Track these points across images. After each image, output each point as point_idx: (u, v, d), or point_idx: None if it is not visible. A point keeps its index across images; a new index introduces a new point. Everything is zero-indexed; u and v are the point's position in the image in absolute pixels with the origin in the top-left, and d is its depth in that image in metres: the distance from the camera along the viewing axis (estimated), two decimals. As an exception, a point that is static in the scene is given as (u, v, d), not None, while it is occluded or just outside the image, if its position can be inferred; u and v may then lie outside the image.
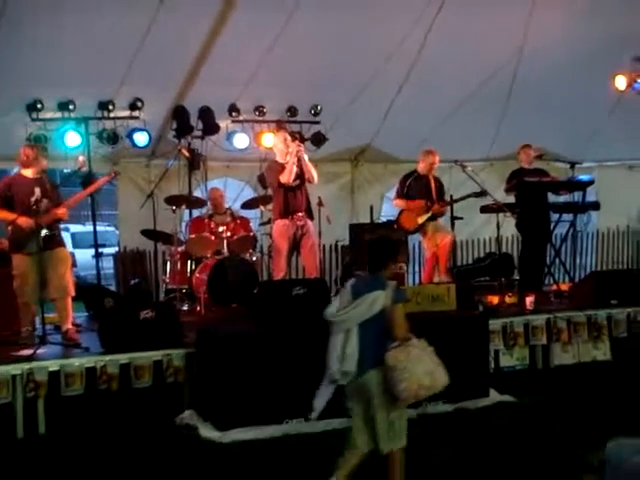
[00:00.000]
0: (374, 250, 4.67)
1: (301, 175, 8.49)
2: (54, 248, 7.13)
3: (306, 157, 8.54)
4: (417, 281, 11.11)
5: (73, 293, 7.27)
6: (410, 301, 6.71)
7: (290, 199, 8.47)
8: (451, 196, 9.73)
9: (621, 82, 9.98)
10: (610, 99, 10.67)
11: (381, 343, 4.39)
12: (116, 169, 8.54)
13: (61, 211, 7.15)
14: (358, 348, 4.41)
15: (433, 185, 9.49)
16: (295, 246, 8.59)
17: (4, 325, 7.26)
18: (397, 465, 4.48)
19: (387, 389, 4.35)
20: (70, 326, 7.10)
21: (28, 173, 7.20)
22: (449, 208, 9.73)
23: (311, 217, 8.70)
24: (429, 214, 9.37)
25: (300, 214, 8.51)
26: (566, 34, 9.37)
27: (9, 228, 7.10)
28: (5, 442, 5.90)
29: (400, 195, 9.59)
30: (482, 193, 8.91)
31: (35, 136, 8.72)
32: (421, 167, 9.54)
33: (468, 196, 9.32)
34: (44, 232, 6.97)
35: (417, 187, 9.46)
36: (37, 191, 7.08)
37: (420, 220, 9.35)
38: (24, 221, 6.92)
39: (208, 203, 9.53)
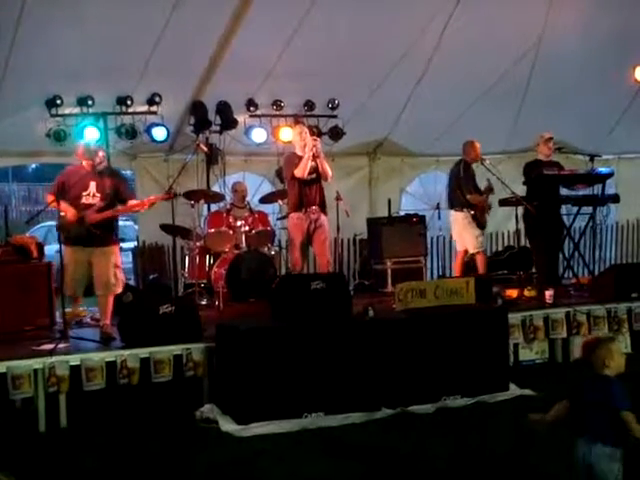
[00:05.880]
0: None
1: (317, 170, 8.49)
2: (99, 245, 7.01)
3: (322, 154, 8.52)
4: (435, 275, 11.10)
5: (118, 290, 7.20)
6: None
7: (304, 192, 8.47)
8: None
9: (641, 74, 9.90)
10: (629, 91, 10.62)
11: None
12: (174, 190, 8.18)
13: (105, 215, 7.02)
14: None
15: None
16: (308, 239, 8.60)
17: (26, 320, 7.31)
18: None
19: None
20: (107, 322, 7.06)
21: (88, 166, 7.12)
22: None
23: (324, 212, 8.68)
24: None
25: (314, 207, 8.51)
26: (585, 26, 9.33)
27: (60, 218, 7.01)
28: (27, 436, 5.96)
29: (471, 189, 9.16)
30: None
31: (54, 132, 8.79)
32: (471, 158, 9.14)
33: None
34: (87, 229, 6.89)
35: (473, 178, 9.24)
36: (92, 186, 7.03)
37: (487, 217, 9.15)
38: (70, 214, 6.87)
39: (227, 197, 9.54)
